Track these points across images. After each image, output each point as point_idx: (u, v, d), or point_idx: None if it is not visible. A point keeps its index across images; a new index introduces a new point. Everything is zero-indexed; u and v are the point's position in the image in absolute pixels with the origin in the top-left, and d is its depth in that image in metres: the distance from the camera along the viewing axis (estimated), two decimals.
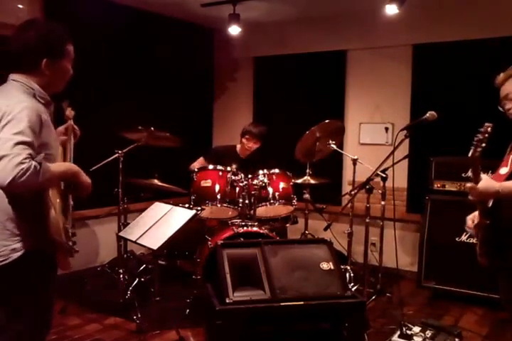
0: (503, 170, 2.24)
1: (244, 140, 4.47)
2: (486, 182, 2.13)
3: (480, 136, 2.08)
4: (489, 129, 2.09)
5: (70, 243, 1.99)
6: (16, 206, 1.88)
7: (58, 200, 1.96)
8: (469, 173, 2.22)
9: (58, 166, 1.94)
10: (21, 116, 1.79)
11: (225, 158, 4.33)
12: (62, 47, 2.02)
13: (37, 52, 1.95)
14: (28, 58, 1.95)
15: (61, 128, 2.24)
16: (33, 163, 1.73)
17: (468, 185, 2.15)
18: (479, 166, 2.13)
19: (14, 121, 1.77)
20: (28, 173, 1.70)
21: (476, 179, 2.13)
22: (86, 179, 2.01)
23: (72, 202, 2.10)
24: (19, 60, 1.97)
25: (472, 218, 2.36)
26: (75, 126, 2.28)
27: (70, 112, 2.26)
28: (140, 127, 3.87)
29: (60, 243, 1.92)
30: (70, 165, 2.02)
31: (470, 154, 2.10)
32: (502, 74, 2.28)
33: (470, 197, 2.20)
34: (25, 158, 1.72)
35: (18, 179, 1.69)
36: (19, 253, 1.86)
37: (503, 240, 2.22)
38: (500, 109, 2.31)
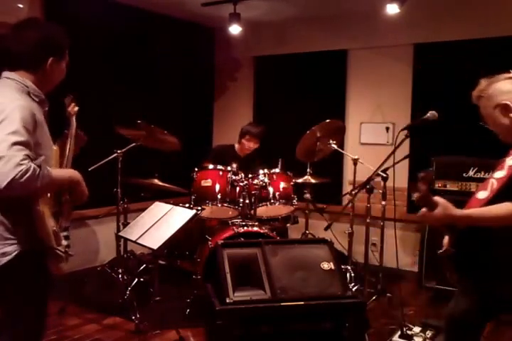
0: (482, 195, 1.99)
1: (244, 140, 4.50)
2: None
3: None
4: None
5: (61, 248, 1.93)
6: (6, 209, 1.83)
7: (47, 204, 1.90)
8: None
9: (63, 172, 1.93)
10: (14, 115, 1.74)
11: (224, 157, 4.34)
12: (65, 48, 2.02)
13: (44, 50, 1.93)
14: (34, 56, 1.92)
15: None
16: (32, 165, 1.69)
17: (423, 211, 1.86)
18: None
19: (7, 120, 1.72)
20: (27, 175, 1.66)
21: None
22: (85, 189, 2.02)
23: (70, 205, 2.07)
24: (21, 57, 1.92)
25: None
26: (80, 132, 2.23)
27: (72, 108, 2.19)
28: (139, 121, 3.82)
29: (49, 247, 1.87)
30: (74, 173, 2.00)
31: None
32: None
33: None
34: (23, 159, 1.67)
35: (17, 180, 1.64)
36: (9, 258, 1.82)
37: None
38: None
